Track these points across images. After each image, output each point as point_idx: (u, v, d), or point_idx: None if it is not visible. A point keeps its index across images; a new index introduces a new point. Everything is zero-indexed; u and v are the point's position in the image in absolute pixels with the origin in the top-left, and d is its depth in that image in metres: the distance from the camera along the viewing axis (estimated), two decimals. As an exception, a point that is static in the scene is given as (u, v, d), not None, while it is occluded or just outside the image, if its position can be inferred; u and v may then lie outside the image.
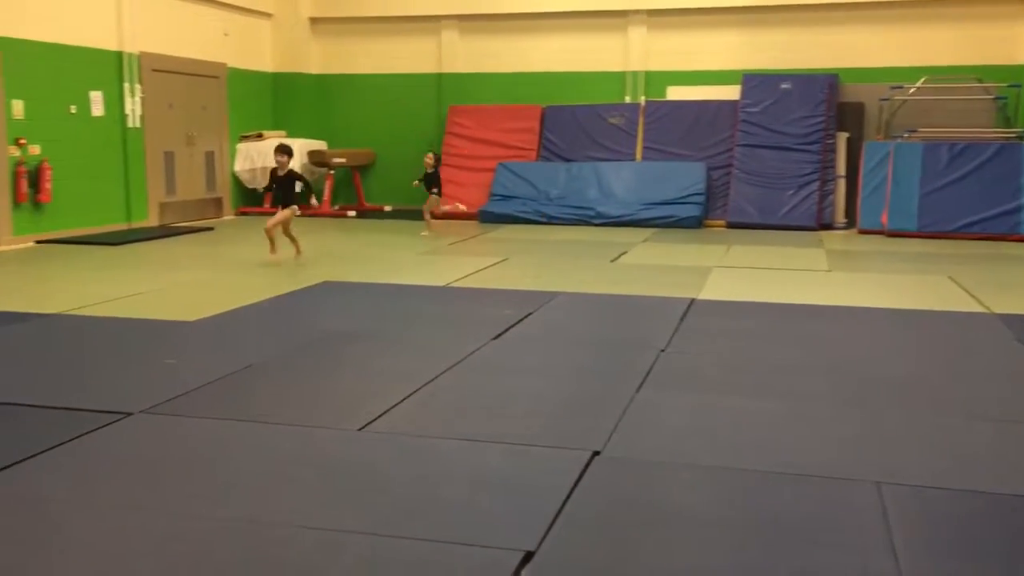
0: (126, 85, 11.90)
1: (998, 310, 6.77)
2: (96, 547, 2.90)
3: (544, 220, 12.87)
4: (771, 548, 2.89)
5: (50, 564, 2.77)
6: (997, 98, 12.59)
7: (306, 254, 9.30)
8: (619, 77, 14.14)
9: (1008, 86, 12.42)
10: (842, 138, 12.93)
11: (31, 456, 3.63)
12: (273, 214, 9.46)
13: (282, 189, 9.26)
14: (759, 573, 2.73)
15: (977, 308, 6.89)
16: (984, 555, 2.86)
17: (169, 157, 12.84)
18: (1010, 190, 11.34)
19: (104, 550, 2.88)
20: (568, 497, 3.26)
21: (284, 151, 9.23)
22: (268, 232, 9.07)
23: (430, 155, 11.77)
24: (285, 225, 9.18)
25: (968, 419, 4.22)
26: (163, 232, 11.66)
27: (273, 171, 9.39)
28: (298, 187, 9.24)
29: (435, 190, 11.74)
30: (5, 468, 3.50)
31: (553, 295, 7.23)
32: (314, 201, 9.72)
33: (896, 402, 4.49)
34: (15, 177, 10.30)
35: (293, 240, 9.28)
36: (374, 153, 15.13)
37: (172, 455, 3.74)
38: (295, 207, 9.19)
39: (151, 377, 4.85)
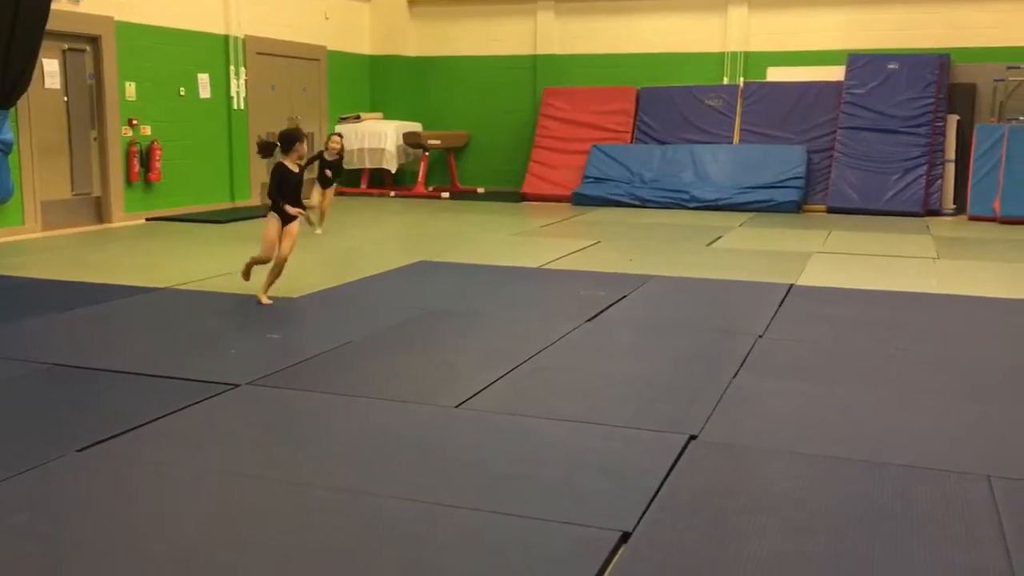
0: (231, 68, 12.25)
1: (1120, 302, 6.43)
2: (206, 510, 3.02)
3: (638, 203, 12.76)
4: (871, 539, 2.83)
5: (163, 524, 2.90)
6: (1122, 78, 11.90)
7: (402, 234, 9.45)
8: (717, 58, 13.87)
9: None
10: (952, 121, 12.41)
11: (147, 423, 3.80)
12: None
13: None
14: (858, 563, 2.67)
15: (1097, 299, 6.56)
16: (1104, 555, 2.74)
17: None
18: None
19: (214, 512, 3.00)
20: (664, 480, 3.25)
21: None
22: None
23: (336, 138, 9.94)
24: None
25: (1086, 414, 4.04)
26: (265, 211, 11.94)
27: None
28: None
29: (333, 181, 9.90)
30: (123, 433, 3.68)
31: (647, 278, 7.18)
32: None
33: (1007, 394, 4.32)
34: (128, 156, 10.75)
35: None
36: (468, 135, 15.23)
37: (277, 426, 3.87)
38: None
39: (256, 351, 5.02)
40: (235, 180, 12.45)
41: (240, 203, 12.46)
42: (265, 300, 6.17)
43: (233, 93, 12.32)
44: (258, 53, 12.70)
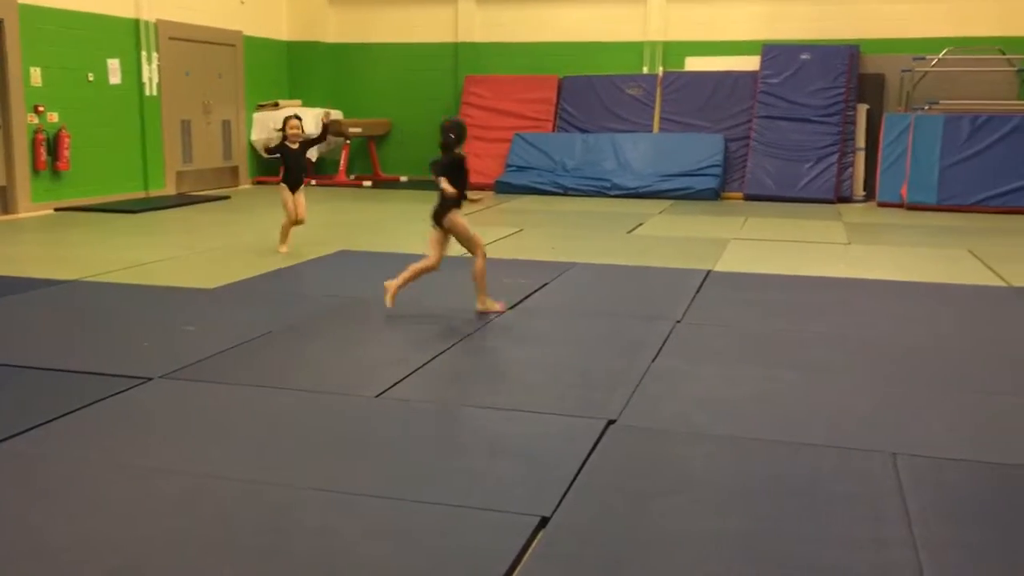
0: (143, 53, 11.90)
1: (1017, 283, 6.72)
2: (117, 507, 2.94)
3: (560, 191, 12.84)
4: (785, 516, 2.91)
5: (72, 523, 2.82)
6: (1020, 70, 12.42)
7: (323, 223, 9.31)
8: (637, 47, 14.02)
9: (1032, 58, 12.25)
10: (862, 110, 12.79)
11: (54, 419, 3.68)
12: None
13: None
14: (772, 539, 2.75)
15: (996, 282, 6.85)
16: (995, 525, 2.87)
17: (186, 125, 12.87)
18: (1032, 163, 11.21)
19: (125, 511, 2.92)
20: (583, 464, 3.29)
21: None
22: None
23: (295, 121, 7.90)
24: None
25: (984, 392, 4.22)
26: (180, 200, 11.70)
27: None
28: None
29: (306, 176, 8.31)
30: (29, 430, 3.56)
31: (569, 266, 7.23)
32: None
33: (913, 374, 4.48)
34: (34, 144, 10.35)
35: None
36: (390, 123, 15.10)
37: (191, 419, 3.78)
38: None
39: (170, 343, 4.90)
40: (149, 168, 12.11)
41: (154, 192, 12.13)
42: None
43: (145, 79, 11.97)
44: (171, 38, 12.36)
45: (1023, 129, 11.33)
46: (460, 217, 5.56)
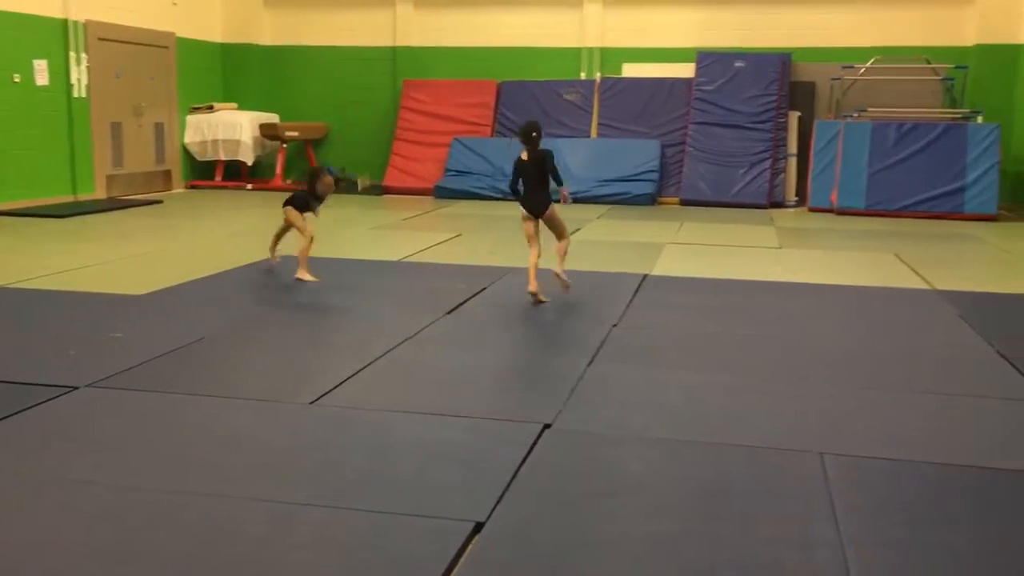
0: (72, 54, 11.60)
1: (941, 287, 6.93)
2: (41, 519, 2.86)
3: (499, 196, 12.84)
4: (714, 518, 2.95)
5: (-7, 539, 2.73)
6: (944, 79, 12.82)
7: (258, 228, 9.17)
8: (575, 53, 14.12)
9: (955, 67, 12.64)
10: (794, 117, 13.07)
11: (-27, 430, 3.56)
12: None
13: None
14: (705, 541, 2.78)
15: (921, 285, 7.05)
16: (919, 523, 2.95)
17: (116, 128, 12.58)
18: (955, 170, 11.57)
19: (48, 523, 2.84)
20: (518, 469, 3.29)
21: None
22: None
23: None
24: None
25: (910, 392, 4.33)
26: (110, 205, 11.43)
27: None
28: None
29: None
30: (-54, 443, 3.44)
31: (507, 270, 7.24)
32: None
33: (842, 376, 4.59)
34: (-45, 147, 10.03)
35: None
36: (328, 127, 14.96)
37: (119, 429, 3.69)
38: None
39: (97, 351, 4.77)
40: (77, 172, 11.82)
41: (83, 196, 11.83)
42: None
43: (74, 80, 11.68)
44: (100, 39, 12.08)
45: (947, 136, 11.69)
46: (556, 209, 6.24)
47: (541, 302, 6.05)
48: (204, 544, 2.71)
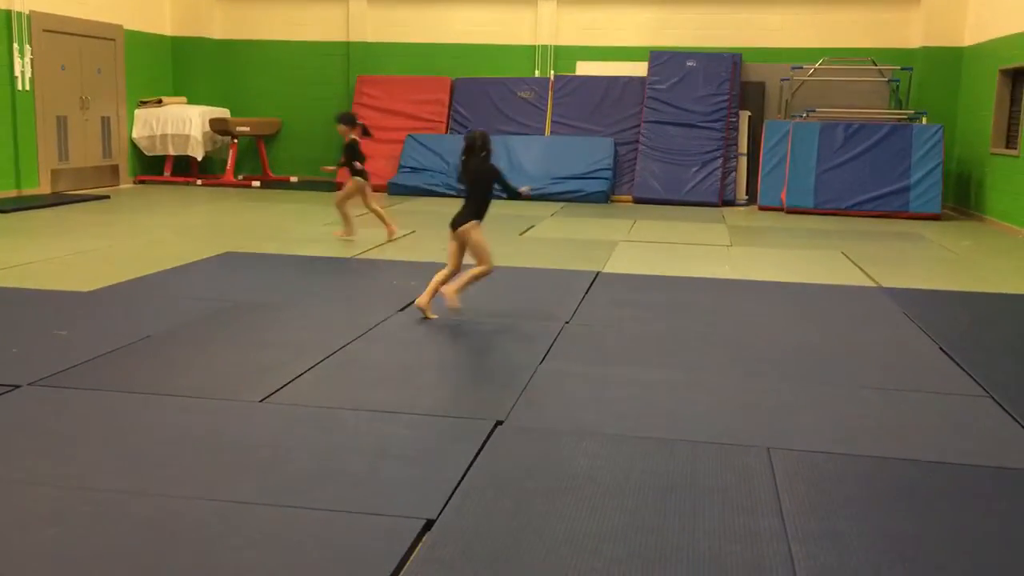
0: (15, 45, 11.33)
1: (886, 284, 7.08)
2: (-19, 523, 2.80)
3: (454, 193, 12.81)
4: (662, 512, 2.98)
5: (-70, 541, 2.66)
6: (890, 80, 13.07)
7: (209, 224, 9.05)
8: (529, 51, 14.15)
9: (900, 69, 12.90)
10: (744, 116, 13.24)
11: (-90, 431, 3.47)
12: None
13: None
14: (653, 535, 2.81)
15: (867, 282, 7.19)
16: (865, 515, 3.01)
17: (62, 122, 12.32)
18: (900, 170, 11.81)
19: (-11, 526, 2.78)
20: (470, 466, 3.30)
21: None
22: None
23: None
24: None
25: (856, 387, 4.42)
26: (56, 200, 11.20)
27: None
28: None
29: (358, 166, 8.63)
30: None
31: (462, 267, 7.22)
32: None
33: (789, 372, 4.66)
34: None
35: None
36: (280, 122, 14.81)
37: (61, 428, 3.62)
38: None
39: (41, 349, 4.68)
40: (21, 166, 11.55)
41: (27, 191, 11.57)
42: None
43: (17, 73, 11.41)
44: (45, 30, 11.82)
45: (893, 137, 11.93)
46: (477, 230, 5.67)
47: (428, 318, 5.48)
48: (150, 544, 2.67)
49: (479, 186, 5.68)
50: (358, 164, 8.48)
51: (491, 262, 5.68)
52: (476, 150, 5.68)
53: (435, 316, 5.53)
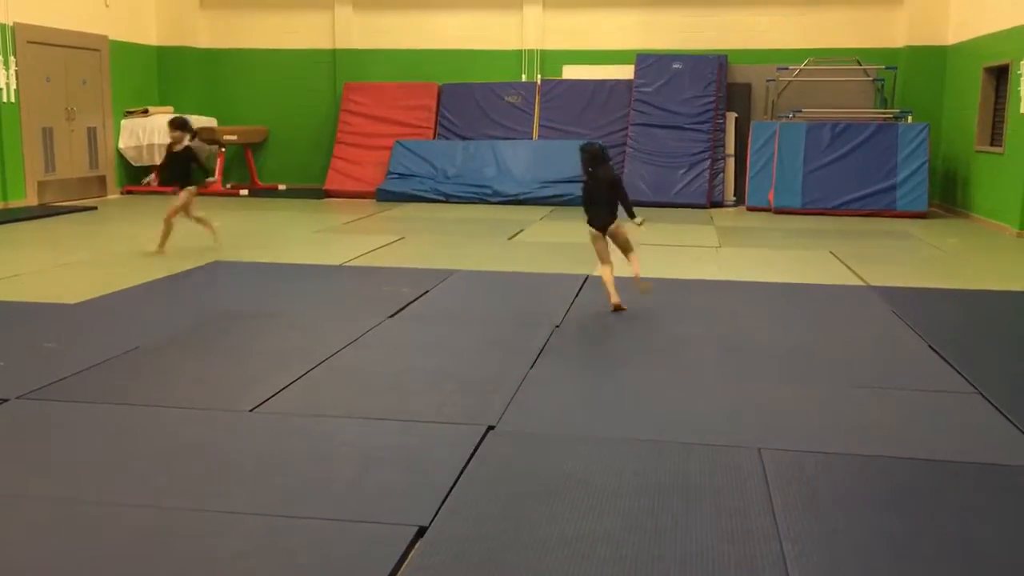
0: (-1, 57, 11.30)
1: (874, 282, 7.10)
2: (-30, 538, 2.78)
3: (442, 198, 12.84)
4: (654, 514, 2.99)
5: (-81, 558, 2.65)
6: (875, 80, 13.14)
7: (196, 233, 9.01)
8: (515, 55, 14.17)
9: (885, 68, 12.97)
10: (731, 118, 13.28)
11: (-102, 447, 3.45)
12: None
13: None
14: (645, 537, 2.82)
15: (855, 281, 7.22)
16: (856, 514, 3.02)
17: (48, 133, 12.27)
18: (887, 168, 11.87)
19: (-21, 541, 2.77)
20: (462, 472, 3.29)
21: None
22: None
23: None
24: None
25: (846, 386, 4.43)
26: (42, 212, 11.15)
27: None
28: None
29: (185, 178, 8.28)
30: None
31: (450, 273, 7.24)
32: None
33: (779, 371, 4.67)
34: None
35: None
36: (267, 130, 14.78)
37: (51, 441, 3.60)
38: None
39: (29, 361, 4.66)
40: (7, 178, 11.49)
41: (13, 203, 11.52)
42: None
43: (2, 85, 11.36)
44: (30, 42, 11.77)
45: (878, 136, 11.98)
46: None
47: (624, 309, 5.98)
48: (142, 557, 2.66)
49: (610, 191, 6.17)
50: (203, 172, 8.51)
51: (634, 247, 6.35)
52: (602, 159, 6.17)
53: (626, 307, 5.99)
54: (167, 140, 13.48)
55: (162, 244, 8.10)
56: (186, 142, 8.24)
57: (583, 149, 6.19)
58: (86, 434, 3.68)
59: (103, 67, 13.26)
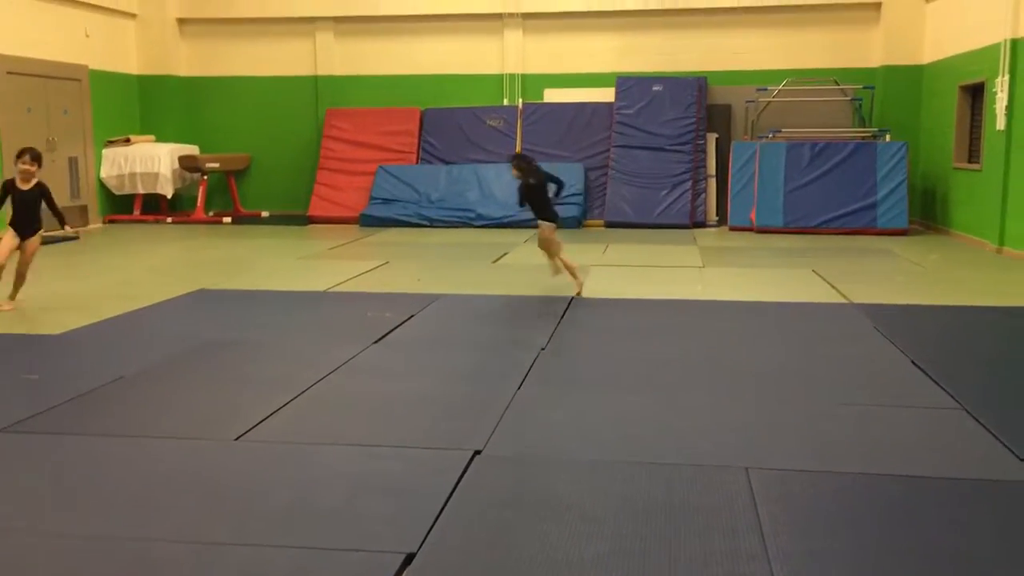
0: (-22, 88, 11.25)
1: (857, 300, 7.15)
2: (-49, 575, 2.74)
3: (426, 223, 12.84)
4: (643, 536, 2.98)
5: (-101, 596, 2.61)
6: (853, 99, 13.28)
7: (180, 261, 8.97)
8: (497, 80, 14.24)
9: (863, 88, 13.11)
10: (712, 139, 13.38)
11: None
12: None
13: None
14: (634, 559, 2.81)
15: (838, 299, 7.26)
16: (841, 533, 3.02)
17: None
18: (866, 187, 11.97)
19: (-40, 578, 2.73)
20: (449, 498, 3.28)
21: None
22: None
23: (25, 159, 6.82)
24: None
25: (831, 404, 4.45)
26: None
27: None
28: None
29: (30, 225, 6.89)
30: None
31: (435, 297, 7.23)
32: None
33: (764, 391, 4.69)
34: None
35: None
36: (250, 158, 14.78)
37: (35, 474, 3.56)
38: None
39: (10, 394, 4.61)
40: (-13, 210, 11.41)
41: (-6, 234, 11.42)
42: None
43: (-18, 115, 11.31)
44: (9, 72, 11.74)
45: (858, 154, 12.10)
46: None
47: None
48: (126, 590, 2.63)
49: (543, 193, 7.36)
50: (59, 218, 6.97)
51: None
52: (532, 171, 7.30)
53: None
54: (149, 169, 13.52)
55: (12, 300, 6.87)
56: (36, 179, 6.83)
57: (526, 160, 7.39)
58: (70, 466, 3.64)
59: (84, 97, 13.24)
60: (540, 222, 7.44)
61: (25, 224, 6.82)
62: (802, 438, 3.96)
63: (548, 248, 7.48)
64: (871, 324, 6.23)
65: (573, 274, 7.43)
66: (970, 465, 3.64)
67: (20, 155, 6.81)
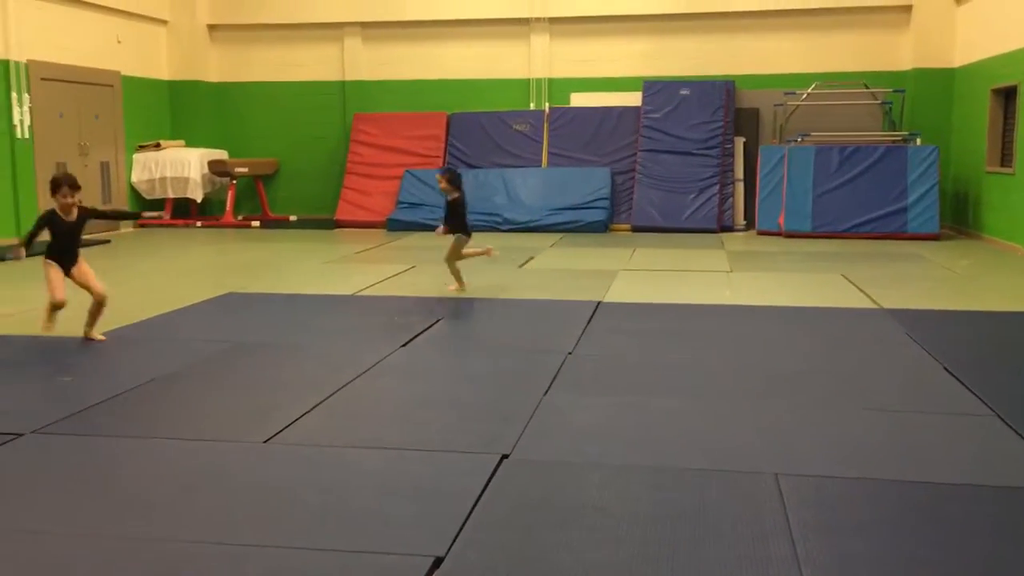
0: (13, 94, 11.43)
1: (887, 305, 7.08)
2: (-13, 574, 2.78)
3: (452, 227, 12.86)
4: (672, 542, 2.97)
5: (-63, 594, 2.65)
6: (883, 103, 13.16)
7: (209, 265, 9.06)
8: (523, 84, 14.26)
9: (893, 91, 12.99)
10: (739, 143, 13.31)
11: (-85, 482, 3.46)
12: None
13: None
14: (662, 564, 2.80)
15: (868, 304, 7.19)
16: (875, 538, 2.99)
17: (61, 168, 12.36)
18: (896, 191, 11.86)
19: (-4, 576, 2.77)
20: (477, 501, 3.28)
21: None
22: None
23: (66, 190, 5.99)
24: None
25: (861, 410, 4.41)
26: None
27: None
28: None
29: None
30: None
31: (462, 301, 7.25)
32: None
33: (794, 396, 4.65)
34: None
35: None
36: (278, 162, 14.90)
37: (66, 475, 3.61)
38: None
39: (45, 396, 4.68)
40: (21, 213, 11.58)
41: (28, 238, 11.59)
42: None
43: (16, 121, 11.49)
44: (43, 79, 11.92)
45: (888, 158, 11.99)
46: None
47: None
48: (158, 590, 2.65)
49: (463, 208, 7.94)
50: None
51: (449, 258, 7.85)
52: (459, 188, 7.79)
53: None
54: (179, 173, 13.68)
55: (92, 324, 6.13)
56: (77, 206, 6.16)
57: (453, 172, 7.86)
58: (101, 468, 3.69)
59: (116, 102, 13.42)
60: (457, 235, 7.79)
61: (71, 254, 6.19)
62: (832, 444, 3.93)
63: (455, 257, 7.84)
64: (902, 329, 6.16)
65: (458, 278, 7.80)
66: (1002, 472, 3.59)
67: (56, 188, 5.97)
